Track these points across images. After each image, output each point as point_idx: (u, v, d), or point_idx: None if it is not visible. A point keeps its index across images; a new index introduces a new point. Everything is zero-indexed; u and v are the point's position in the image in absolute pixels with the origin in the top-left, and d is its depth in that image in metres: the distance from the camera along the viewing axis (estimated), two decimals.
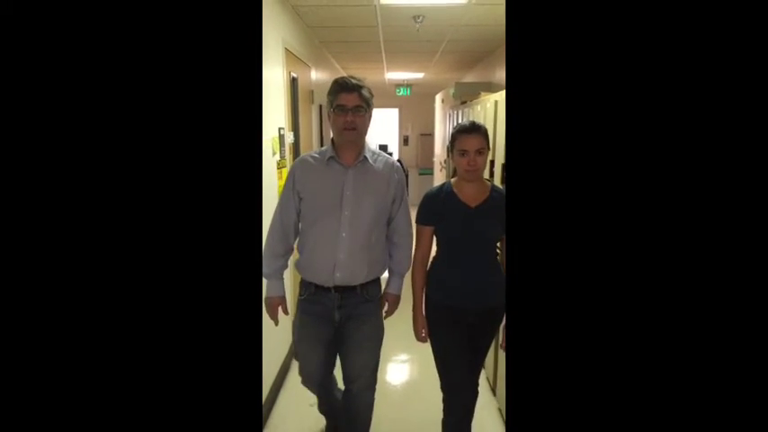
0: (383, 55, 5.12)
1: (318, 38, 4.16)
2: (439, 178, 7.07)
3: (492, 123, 2.68)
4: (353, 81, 1.66)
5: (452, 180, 1.81)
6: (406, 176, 9.15)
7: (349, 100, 1.62)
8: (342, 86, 1.64)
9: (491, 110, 2.80)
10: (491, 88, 4.43)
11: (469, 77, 6.33)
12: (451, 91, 5.35)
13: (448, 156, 1.85)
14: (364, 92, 1.66)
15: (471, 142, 1.67)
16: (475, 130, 1.69)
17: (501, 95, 2.72)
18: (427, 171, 8.71)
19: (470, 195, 1.74)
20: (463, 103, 4.83)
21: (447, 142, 5.89)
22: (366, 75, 6.86)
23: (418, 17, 3.34)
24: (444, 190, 1.79)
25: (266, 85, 2.41)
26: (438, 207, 1.76)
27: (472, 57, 5.26)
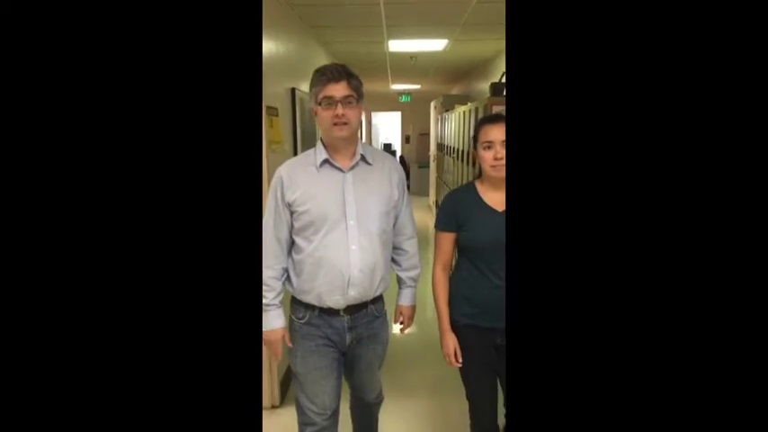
0: (389, 75, 6.90)
1: None
2: (433, 169, 8.58)
3: (462, 129, 4.39)
4: (341, 68, 1.42)
5: (476, 181, 1.61)
6: (408, 170, 10.66)
7: (337, 90, 1.39)
8: (328, 76, 1.40)
9: (459, 118, 4.56)
10: (469, 99, 6.11)
11: (455, 90, 8.11)
12: (441, 100, 7.09)
13: (473, 152, 1.69)
14: (354, 80, 1.42)
15: (496, 132, 1.47)
16: (500, 119, 1.50)
17: (463, 108, 4.46)
18: (425, 165, 10.05)
19: (498, 198, 1.53)
20: (447, 110, 6.58)
21: (440, 140, 7.44)
22: (374, 85, 8.64)
23: (412, 57, 5.16)
24: (468, 192, 1.59)
25: None
26: (461, 211, 1.56)
27: (454, 76, 7.12)
